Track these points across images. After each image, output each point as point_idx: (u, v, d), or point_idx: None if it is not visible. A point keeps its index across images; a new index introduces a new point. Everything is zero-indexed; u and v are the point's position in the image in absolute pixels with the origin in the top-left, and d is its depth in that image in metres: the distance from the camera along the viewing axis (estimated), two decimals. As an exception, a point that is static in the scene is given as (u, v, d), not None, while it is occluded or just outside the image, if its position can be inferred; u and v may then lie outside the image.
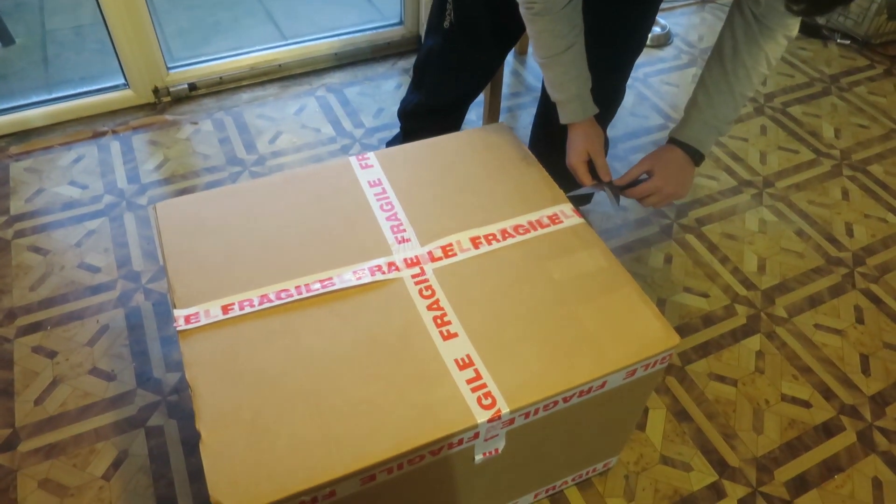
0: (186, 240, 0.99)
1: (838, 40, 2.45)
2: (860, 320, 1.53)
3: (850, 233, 1.73)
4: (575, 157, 1.16)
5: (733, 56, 1.09)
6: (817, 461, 1.29)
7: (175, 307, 0.89)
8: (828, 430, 1.33)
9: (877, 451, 1.31)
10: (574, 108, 1.14)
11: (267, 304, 0.90)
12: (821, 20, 2.49)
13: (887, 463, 1.29)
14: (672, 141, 1.17)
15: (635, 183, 1.16)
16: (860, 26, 2.40)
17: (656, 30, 2.36)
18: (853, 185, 1.87)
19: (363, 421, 0.80)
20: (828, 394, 1.39)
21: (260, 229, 1.01)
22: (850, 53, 2.40)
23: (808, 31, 2.47)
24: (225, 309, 0.89)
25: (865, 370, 1.44)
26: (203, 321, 0.88)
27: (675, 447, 1.28)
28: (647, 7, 1.23)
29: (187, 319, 0.88)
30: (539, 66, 1.15)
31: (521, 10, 1.07)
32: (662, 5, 1.22)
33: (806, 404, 1.37)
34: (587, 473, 1.18)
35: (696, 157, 1.16)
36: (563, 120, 1.16)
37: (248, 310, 0.90)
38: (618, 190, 1.18)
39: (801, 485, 1.24)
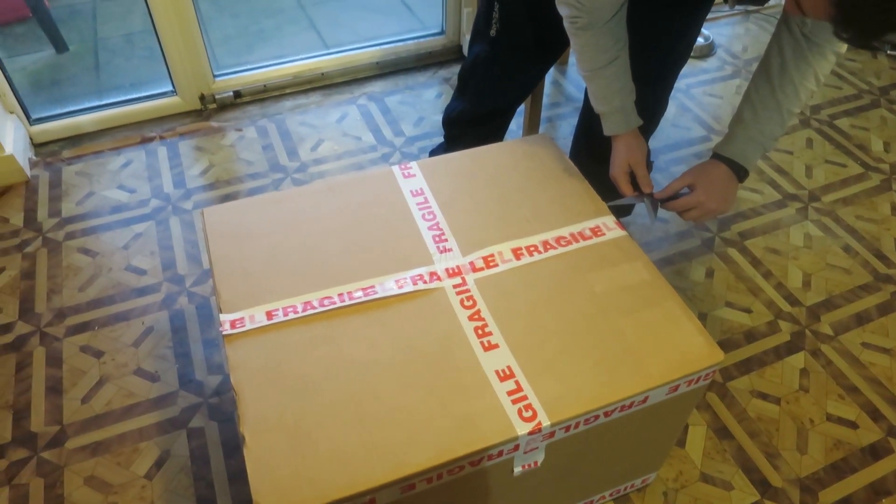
0: (232, 245, 1.01)
1: (888, 51, 2.39)
2: (910, 340, 1.49)
3: (899, 249, 1.69)
4: (617, 168, 1.15)
5: (781, 72, 1.07)
6: (864, 484, 1.25)
7: (221, 311, 0.91)
8: (875, 452, 1.30)
9: (927, 476, 1.27)
10: (617, 119, 1.14)
11: (310, 311, 0.91)
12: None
13: (938, 488, 1.25)
14: (716, 156, 1.15)
15: (676, 196, 1.15)
16: (912, 37, 2.34)
17: (699, 40, 2.33)
18: (903, 200, 1.82)
19: (403, 429, 0.80)
20: (875, 415, 1.35)
21: (303, 236, 1.02)
22: (900, 65, 2.34)
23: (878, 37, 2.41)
24: (269, 315, 0.91)
25: (915, 391, 1.40)
26: (248, 326, 0.89)
27: (716, 465, 1.25)
28: (692, 17, 1.22)
29: (233, 324, 0.89)
30: (583, 79, 1.14)
31: (566, 25, 1.06)
32: (713, 14, 1.21)
33: (852, 425, 1.33)
34: (625, 489, 1.17)
35: (741, 173, 1.14)
36: (606, 132, 1.16)
37: (291, 316, 0.91)
38: (657, 202, 1.16)
39: (846, 508, 1.21)
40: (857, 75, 2.28)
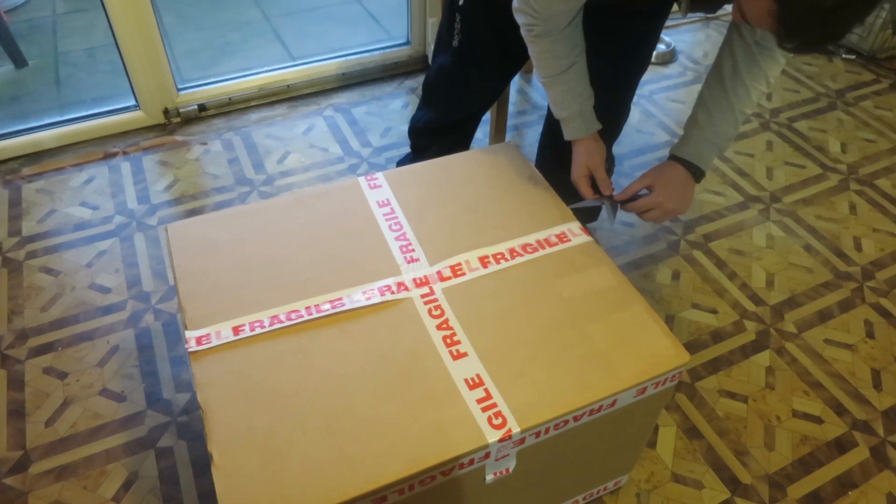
0: (197, 261, 1.00)
1: (843, 55, 2.46)
2: (870, 335, 1.53)
3: (858, 247, 1.73)
4: (577, 171, 1.18)
5: (733, 75, 1.10)
6: (830, 477, 1.28)
7: (186, 328, 0.90)
8: (840, 445, 1.32)
9: (891, 467, 1.29)
10: (577, 125, 1.16)
11: (278, 325, 0.91)
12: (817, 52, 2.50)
13: (901, 479, 1.28)
14: (673, 157, 1.18)
15: (636, 198, 1.17)
16: (865, 41, 2.41)
17: (661, 47, 2.37)
18: (861, 199, 1.87)
19: (374, 441, 0.80)
20: (840, 409, 1.38)
21: (270, 250, 1.02)
22: (855, 68, 2.41)
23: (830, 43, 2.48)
24: (236, 330, 0.90)
25: (877, 385, 1.43)
26: (214, 342, 0.88)
27: (687, 464, 1.27)
28: (650, 27, 1.25)
29: (199, 341, 0.88)
30: (542, 85, 1.17)
31: (523, 32, 1.08)
32: (667, 23, 1.24)
33: (818, 420, 1.36)
34: (598, 492, 1.18)
35: (697, 173, 1.17)
36: (567, 137, 1.18)
37: (258, 331, 0.90)
38: (617, 204, 1.18)
39: (814, 502, 1.23)
40: (814, 79, 2.34)
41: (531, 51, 1.11)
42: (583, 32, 1.10)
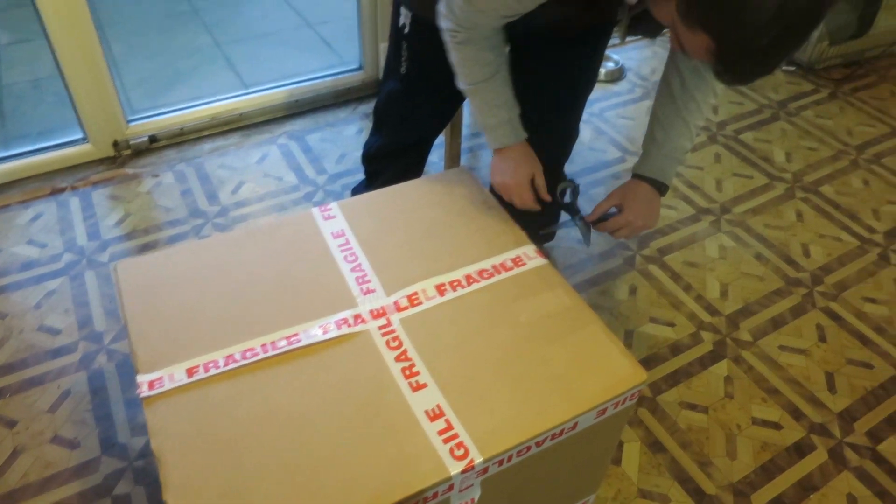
0: (148, 300, 0.97)
1: (784, 67, 2.54)
2: (822, 339, 1.57)
3: (806, 253, 1.78)
4: (521, 178, 1.17)
5: (682, 91, 1.13)
6: (792, 482, 1.30)
7: (138, 373, 0.88)
8: (800, 450, 1.35)
9: (849, 468, 1.33)
10: (506, 131, 1.16)
11: (233, 365, 0.89)
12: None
13: (860, 478, 1.31)
14: (636, 175, 1.21)
15: (605, 217, 1.20)
16: (804, 53, 2.50)
17: (609, 65, 2.42)
18: (806, 206, 1.93)
19: (336, 479, 0.79)
20: (797, 414, 1.41)
21: (223, 286, 1.00)
22: (795, 79, 2.50)
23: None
24: (190, 372, 0.88)
25: (831, 387, 1.47)
26: (167, 386, 0.86)
27: (652, 479, 1.28)
28: (593, 50, 1.27)
29: (151, 385, 0.86)
30: (466, 94, 1.15)
31: (445, 38, 1.08)
32: (614, 42, 1.26)
33: (776, 426, 1.39)
34: (566, 513, 1.18)
35: (661, 188, 1.20)
36: (494, 145, 1.17)
37: (213, 371, 0.88)
38: (589, 225, 1.21)
39: (776, 509, 1.26)
40: (757, 91, 2.41)
41: (454, 58, 1.11)
42: (505, 40, 1.12)
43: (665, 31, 1.08)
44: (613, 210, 1.20)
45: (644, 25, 1.01)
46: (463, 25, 1.04)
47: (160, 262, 1.05)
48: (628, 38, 1.12)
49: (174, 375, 0.88)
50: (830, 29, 2.43)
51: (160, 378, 0.87)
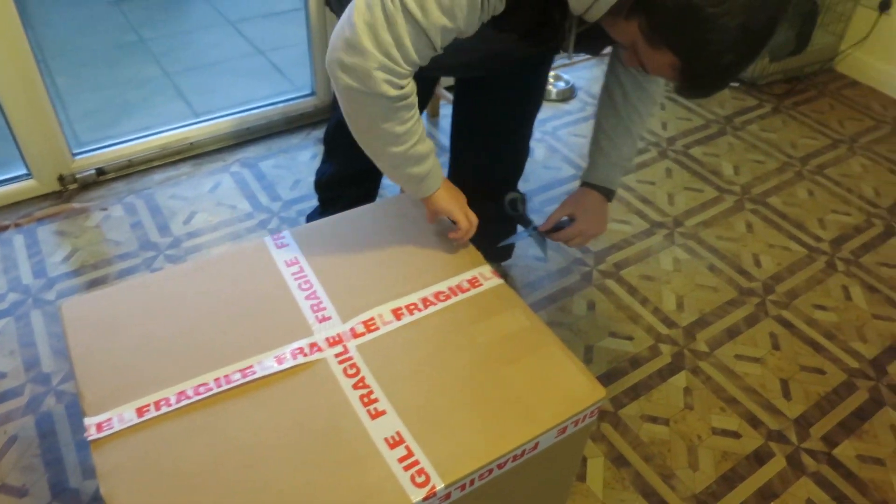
0: (95, 339, 0.94)
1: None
2: (776, 346, 1.60)
3: (757, 263, 1.82)
4: (465, 216, 1.09)
5: (624, 102, 1.17)
6: (753, 490, 1.32)
7: (86, 415, 0.85)
8: (759, 457, 1.37)
9: (807, 473, 1.35)
10: (437, 173, 1.05)
11: (185, 402, 0.87)
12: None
13: (818, 483, 1.33)
14: (585, 184, 1.24)
15: (558, 227, 1.23)
16: (747, 70, 2.58)
17: (560, 84, 2.47)
18: (756, 217, 1.98)
19: (294, 515, 0.77)
20: (754, 422, 1.43)
21: (174, 321, 0.98)
22: (740, 95, 2.57)
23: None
24: (140, 411, 0.85)
25: (786, 394, 1.50)
26: (117, 427, 0.83)
27: (617, 494, 1.28)
28: (537, 72, 1.30)
29: (99, 427, 0.83)
30: (388, 161, 1.01)
31: (387, 110, 0.92)
32: (564, 62, 1.29)
33: (736, 435, 1.41)
34: (533, 534, 1.17)
35: (609, 195, 1.25)
36: (429, 192, 1.06)
37: (165, 409, 0.86)
38: (543, 235, 1.24)
39: (739, 518, 1.27)
40: (703, 106, 2.48)
41: (398, 129, 0.94)
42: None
43: (605, 48, 1.10)
44: (565, 219, 1.24)
45: (587, 43, 1.03)
46: (411, 65, 0.88)
47: (107, 299, 1.02)
48: (575, 58, 1.14)
49: (123, 416, 0.85)
50: (771, 46, 2.52)
51: (109, 419, 0.84)
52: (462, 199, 1.11)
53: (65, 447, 1.29)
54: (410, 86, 0.91)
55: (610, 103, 1.19)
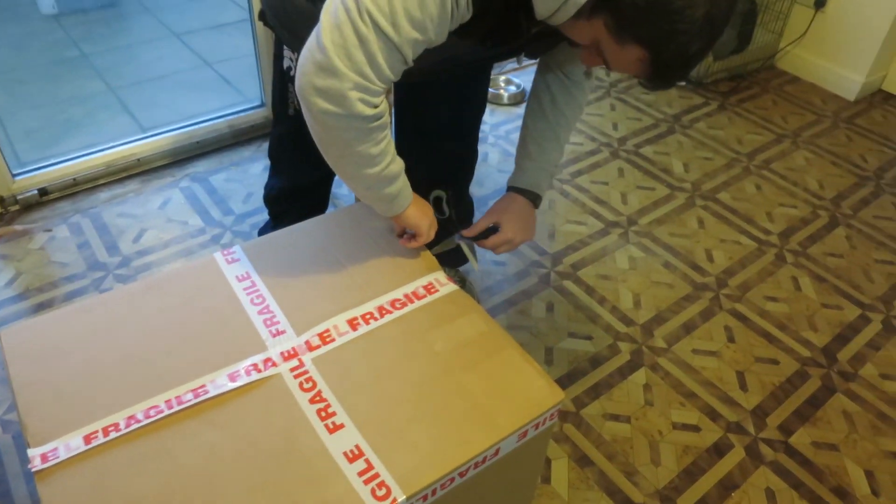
0: (38, 368, 0.91)
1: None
2: (731, 339, 1.63)
3: (710, 258, 1.86)
4: (429, 232, 1.10)
5: (553, 108, 1.19)
6: (714, 482, 1.34)
7: (29, 446, 0.81)
8: (719, 450, 1.39)
9: (765, 462, 1.38)
10: (406, 192, 1.04)
11: (135, 426, 0.84)
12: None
13: (776, 472, 1.36)
14: (513, 189, 1.24)
15: (486, 234, 1.20)
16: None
17: (511, 88, 2.48)
18: (706, 213, 2.02)
19: (253, 536, 0.75)
20: (713, 415, 1.46)
21: (122, 344, 0.95)
22: (686, 94, 2.63)
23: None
24: (87, 439, 0.82)
25: (743, 386, 1.53)
26: (63, 456, 0.80)
27: (582, 494, 1.29)
28: (481, 75, 1.31)
29: (44, 458, 0.80)
30: (360, 183, 0.99)
31: (367, 132, 0.90)
32: (513, 66, 1.30)
33: (695, 429, 1.43)
34: (500, 539, 1.16)
35: (537, 200, 1.24)
36: (401, 209, 1.04)
37: (113, 435, 0.83)
38: (472, 242, 1.21)
39: (702, 510, 1.29)
40: (652, 106, 2.52)
41: (373, 150, 0.92)
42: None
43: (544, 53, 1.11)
44: (492, 226, 1.21)
45: (538, 44, 1.04)
46: (385, 82, 0.86)
47: (50, 324, 0.98)
48: (524, 62, 1.15)
49: (70, 444, 0.82)
50: (714, 46, 2.58)
51: (54, 449, 0.81)
52: (430, 212, 1.10)
53: (13, 478, 1.24)
54: (383, 104, 0.90)
55: (539, 109, 1.20)
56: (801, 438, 1.43)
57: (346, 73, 0.83)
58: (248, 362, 0.93)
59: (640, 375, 1.52)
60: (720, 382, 1.53)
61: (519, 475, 1.04)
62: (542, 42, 1.04)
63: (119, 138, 2.04)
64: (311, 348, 0.95)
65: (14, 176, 1.84)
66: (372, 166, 0.94)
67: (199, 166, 2.04)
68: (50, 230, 1.78)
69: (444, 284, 1.08)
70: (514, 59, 1.18)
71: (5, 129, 2.18)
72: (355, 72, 0.83)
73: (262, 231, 1.61)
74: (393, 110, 2.25)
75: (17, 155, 2.05)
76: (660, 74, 0.85)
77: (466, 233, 1.20)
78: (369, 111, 0.86)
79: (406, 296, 1.05)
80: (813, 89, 2.73)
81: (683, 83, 2.66)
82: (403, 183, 1.02)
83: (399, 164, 0.99)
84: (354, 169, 0.95)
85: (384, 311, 1.02)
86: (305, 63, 0.85)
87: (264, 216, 1.81)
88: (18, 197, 1.83)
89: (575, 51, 1.10)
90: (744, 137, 2.39)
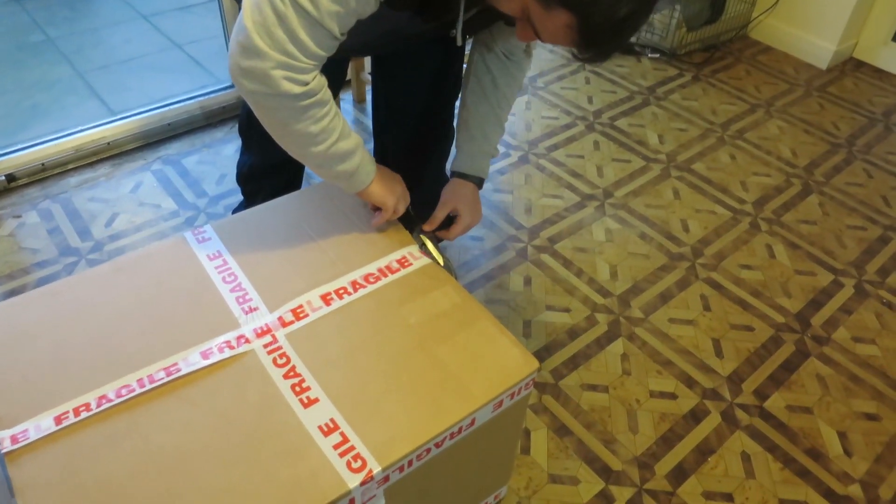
0: (6, 352, 0.90)
1: (649, 55, 2.68)
2: (707, 308, 1.65)
3: (685, 228, 1.87)
4: (395, 207, 1.09)
5: (494, 90, 1.19)
6: (691, 448, 1.36)
7: (-1, 429, 0.80)
8: (695, 416, 1.41)
9: (740, 427, 1.40)
10: (365, 168, 1.02)
11: (106, 405, 0.83)
12: (632, 38, 2.71)
13: (751, 436, 1.38)
14: (459, 175, 1.24)
15: (444, 224, 1.21)
16: (666, 40, 2.64)
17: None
18: (682, 184, 2.03)
19: (229, 512, 0.75)
20: (690, 382, 1.48)
21: (92, 325, 0.94)
22: (661, 65, 2.63)
23: (623, 49, 2.68)
24: (58, 419, 0.82)
25: (719, 353, 1.54)
26: (33, 437, 0.80)
27: (561, 463, 1.30)
28: (452, 56, 1.29)
29: (14, 439, 0.79)
30: (313, 156, 0.97)
31: (292, 115, 0.90)
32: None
33: (672, 396, 1.44)
34: (480, 509, 1.18)
35: (481, 183, 1.26)
36: (362, 186, 1.03)
37: (84, 415, 0.82)
38: (433, 235, 1.19)
39: (679, 474, 1.30)
40: (626, 79, 2.52)
41: (312, 128, 0.90)
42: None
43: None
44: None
45: (477, 20, 1.03)
46: (313, 60, 0.85)
47: (18, 309, 0.97)
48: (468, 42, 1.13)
49: (40, 425, 0.81)
50: (686, 16, 2.58)
51: (24, 430, 0.80)
52: (398, 186, 1.09)
53: (-12, 467, 1.22)
54: (316, 81, 0.88)
55: (479, 91, 1.19)
56: (776, 402, 1.45)
57: (268, 52, 0.82)
58: (220, 339, 0.92)
59: (618, 346, 1.54)
60: (696, 350, 1.55)
61: (497, 445, 1.05)
62: (479, 17, 1.03)
63: (88, 122, 2.00)
64: (284, 324, 0.95)
65: (-20, 162, 1.80)
66: (315, 144, 0.93)
67: (171, 149, 2.01)
68: (19, 216, 1.75)
69: (417, 258, 1.08)
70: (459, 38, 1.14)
71: (-30, 116, 2.14)
72: (278, 50, 0.82)
73: (236, 211, 1.59)
74: (369, 88, 2.23)
75: (-18, 142, 2.01)
76: (590, 41, 0.81)
77: (426, 226, 1.19)
78: (297, 89, 0.85)
79: (380, 269, 1.05)
80: (786, 58, 2.75)
81: (657, 55, 2.66)
82: (360, 160, 1.00)
83: (351, 142, 0.98)
84: (298, 148, 0.95)
85: (357, 286, 1.02)
86: (232, 45, 0.85)
87: (238, 197, 1.79)
88: (-15, 184, 1.79)
89: (511, 29, 1.09)
90: (718, 108, 2.40)
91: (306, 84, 0.86)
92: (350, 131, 0.97)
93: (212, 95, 2.14)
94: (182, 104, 2.09)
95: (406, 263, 1.06)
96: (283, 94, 0.85)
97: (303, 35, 0.82)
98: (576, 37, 0.81)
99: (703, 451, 1.35)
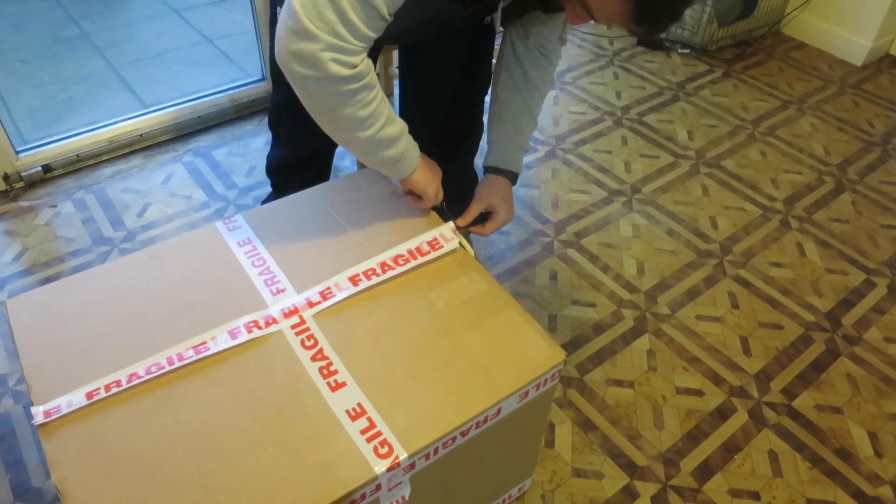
0: (43, 333, 0.92)
1: (679, 50, 2.65)
2: (735, 305, 1.63)
3: (714, 225, 1.85)
4: (437, 195, 1.10)
5: (525, 83, 1.18)
6: (717, 445, 1.34)
7: (33, 404, 0.82)
8: (722, 413, 1.40)
9: (768, 426, 1.38)
10: (410, 154, 1.02)
11: (136, 382, 0.85)
12: (662, 34, 2.69)
13: (779, 434, 1.36)
14: (494, 170, 1.23)
15: (478, 220, 1.20)
16: (696, 36, 2.61)
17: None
18: (711, 180, 2.01)
19: (258, 493, 0.76)
20: (717, 379, 1.46)
21: (125, 308, 0.95)
22: (691, 61, 2.60)
23: (652, 45, 2.66)
24: (89, 395, 0.83)
25: (746, 351, 1.52)
26: (65, 411, 0.81)
27: (585, 458, 1.30)
28: (484, 40, 1.29)
29: (47, 413, 0.81)
30: (361, 144, 0.97)
31: (341, 99, 0.90)
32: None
33: (699, 393, 1.43)
34: (503, 501, 1.18)
35: (515, 178, 1.25)
36: (406, 172, 1.04)
37: (115, 391, 0.84)
38: (467, 231, 1.19)
39: (705, 471, 1.29)
40: (656, 74, 2.50)
41: (360, 113, 0.90)
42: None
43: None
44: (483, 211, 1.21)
45: (516, 7, 1.03)
46: (362, 42, 0.86)
47: (55, 294, 0.99)
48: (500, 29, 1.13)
49: (72, 400, 0.83)
50: (718, 11, 2.55)
51: (57, 405, 0.82)
52: (438, 174, 1.10)
53: (25, 447, 1.25)
54: (365, 64, 0.88)
55: (511, 84, 1.18)
56: (805, 402, 1.43)
57: (318, 34, 0.82)
58: (247, 318, 0.93)
59: (644, 341, 1.52)
60: (724, 348, 1.53)
61: (522, 437, 1.04)
62: (519, 2, 1.02)
63: (121, 115, 2.04)
64: (311, 305, 0.96)
65: (18, 153, 1.84)
66: (363, 129, 0.93)
67: (202, 141, 2.04)
68: (55, 206, 1.79)
69: (449, 239, 1.07)
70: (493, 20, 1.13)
71: (8, 107, 2.18)
72: (328, 32, 0.82)
73: (265, 203, 1.61)
74: (396, 82, 2.24)
75: (20, 133, 2.05)
76: (644, 15, 0.81)
77: (460, 222, 1.17)
78: (346, 71, 0.85)
79: (409, 251, 1.05)
80: (819, 55, 2.70)
81: (687, 51, 2.63)
82: (406, 145, 1.01)
83: (398, 127, 0.98)
84: (347, 134, 0.95)
85: (386, 267, 1.02)
86: (280, 30, 0.84)
87: (267, 189, 1.81)
88: (23, 174, 1.83)
89: (547, 18, 1.08)
90: (749, 104, 2.37)
91: (355, 67, 0.86)
92: (395, 116, 0.97)
93: (242, 89, 2.16)
94: (212, 97, 2.12)
95: (437, 245, 1.06)
96: (332, 76, 0.85)
97: (353, 16, 0.82)
98: (632, 11, 0.81)
99: (730, 449, 1.33)
